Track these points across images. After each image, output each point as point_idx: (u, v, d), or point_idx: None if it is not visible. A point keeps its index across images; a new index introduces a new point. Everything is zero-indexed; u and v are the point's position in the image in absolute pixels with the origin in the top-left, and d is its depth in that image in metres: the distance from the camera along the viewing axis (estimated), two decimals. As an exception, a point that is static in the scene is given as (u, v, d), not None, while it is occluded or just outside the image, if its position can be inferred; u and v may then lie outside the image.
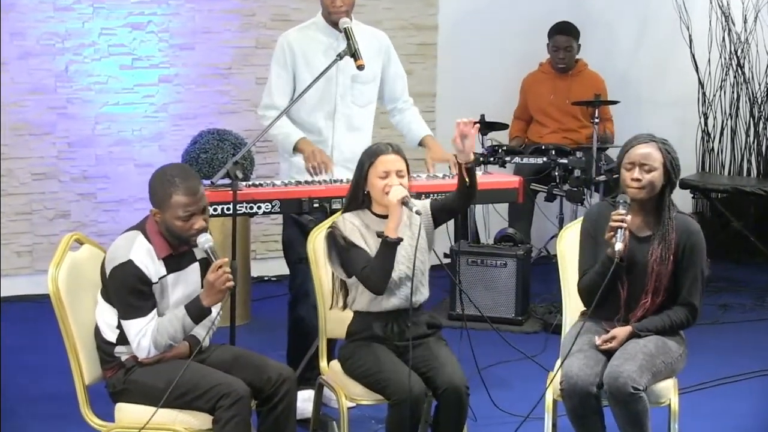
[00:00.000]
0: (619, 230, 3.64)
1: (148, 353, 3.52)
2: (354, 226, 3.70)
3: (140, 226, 3.60)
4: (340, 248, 3.68)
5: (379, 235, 3.62)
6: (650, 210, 3.78)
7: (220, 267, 3.46)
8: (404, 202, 3.62)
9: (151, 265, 3.52)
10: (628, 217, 3.67)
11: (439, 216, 3.78)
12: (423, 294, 3.78)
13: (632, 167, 3.72)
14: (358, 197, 3.76)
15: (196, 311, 3.51)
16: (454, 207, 3.77)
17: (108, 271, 3.52)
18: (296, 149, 4.50)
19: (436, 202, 3.80)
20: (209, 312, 3.54)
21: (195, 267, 3.65)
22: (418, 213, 3.59)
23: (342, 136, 4.60)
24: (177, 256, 3.59)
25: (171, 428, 3.47)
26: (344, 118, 4.60)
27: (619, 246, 3.63)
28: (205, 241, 3.53)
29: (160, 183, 3.53)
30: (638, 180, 3.70)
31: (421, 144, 4.75)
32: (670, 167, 3.73)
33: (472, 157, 3.60)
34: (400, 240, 3.62)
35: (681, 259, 3.74)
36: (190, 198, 3.50)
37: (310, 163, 4.41)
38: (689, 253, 3.74)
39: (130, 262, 3.48)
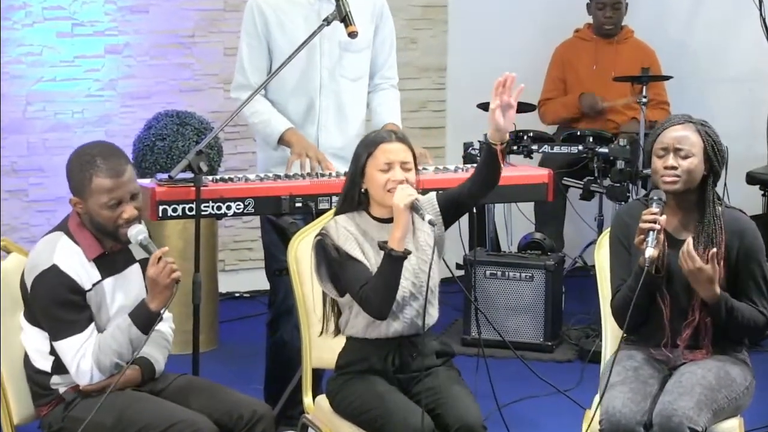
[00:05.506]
0: (650, 233, 3.65)
1: (90, 378, 3.53)
2: (349, 234, 3.67)
3: (61, 226, 3.62)
4: (332, 261, 3.66)
5: (382, 247, 3.58)
6: (690, 206, 3.80)
7: (160, 258, 3.49)
8: (413, 208, 3.59)
9: (81, 270, 3.54)
10: (662, 218, 3.67)
11: (447, 213, 3.76)
12: (432, 316, 3.78)
13: (665, 153, 3.75)
14: (354, 196, 3.74)
15: (144, 318, 3.54)
16: (470, 197, 3.74)
17: (29, 284, 3.53)
18: (281, 141, 4.51)
19: (442, 197, 3.77)
20: (158, 317, 3.55)
21: (135, 269, 3.68)
22: (431, 224, 3.55)
23: (329, 118, 4.61)
24: (111, 255, 3.62)
25: (120, 477, 3.49)
26: (332, 95, 4.60)
27: (650, 252, 3.63)
28: (137, 233, 3.55)
29: (78, 165, 3.56)
30: (673, 168, 3.73)
31: None
32: (712, 153, 3.75)
33: (507, 137, 3.59)
34: (407, 254, 3.58)
35: (734, 265, 3.76)
36: (115, 180, 3.52)
37: (299, 160, 4.40)
38: (744, 258, 3.76)
39: (54, 268, 3.50)
